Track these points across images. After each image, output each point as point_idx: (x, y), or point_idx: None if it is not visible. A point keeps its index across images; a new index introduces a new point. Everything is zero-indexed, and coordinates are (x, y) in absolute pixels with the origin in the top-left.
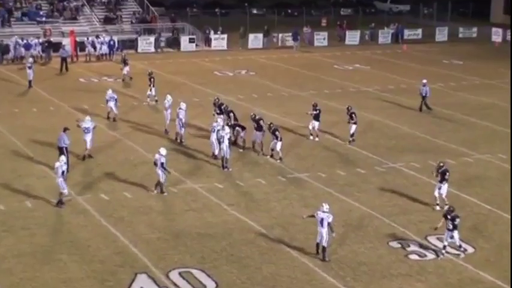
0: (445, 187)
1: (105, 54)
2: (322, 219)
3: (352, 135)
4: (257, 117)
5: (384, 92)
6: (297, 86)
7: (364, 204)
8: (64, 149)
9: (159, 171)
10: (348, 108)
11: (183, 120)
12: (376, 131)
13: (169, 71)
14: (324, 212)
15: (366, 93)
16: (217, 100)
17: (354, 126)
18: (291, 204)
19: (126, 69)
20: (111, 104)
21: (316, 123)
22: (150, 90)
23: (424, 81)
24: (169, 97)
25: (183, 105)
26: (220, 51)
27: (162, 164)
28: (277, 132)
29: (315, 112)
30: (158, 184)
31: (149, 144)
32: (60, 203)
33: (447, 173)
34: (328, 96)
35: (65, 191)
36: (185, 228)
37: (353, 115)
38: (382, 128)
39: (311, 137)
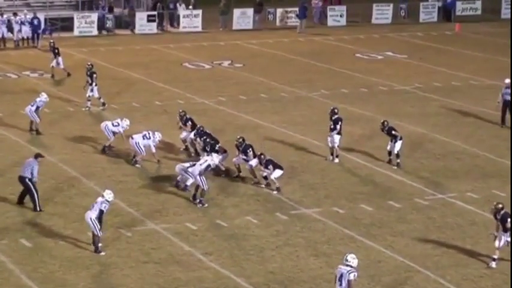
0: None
1: (27, 38)
2: (341, 275)
3: (398, 156)
4: (245, 144)
5: (427, 91)
6: (303, 83)
7: (400, 253)
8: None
9: (88, 220)
10: (383, 123)
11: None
12: (417, 148)
13: (119, 63)
14: (346, 265)
15: (402, 93)
16: (183, 113)
17: (399, 143)
18: (295, 252)
19: (57, 60)
20: (27, 109)
21: (337, 138)
22: (92, 90)
23: (507, 80)
24: (127, 122)
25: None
26: (193, 34)
27: (100, 212)
28: (270, 166)
29: (336, 124)
30: (94, 238)
31: (91, 167)
32: None
33: (508, 220)
34: (347, 99)
35: None
36: (143, 287)
37: (393, 131)
38: (426, 144)
39: (330, 158)
